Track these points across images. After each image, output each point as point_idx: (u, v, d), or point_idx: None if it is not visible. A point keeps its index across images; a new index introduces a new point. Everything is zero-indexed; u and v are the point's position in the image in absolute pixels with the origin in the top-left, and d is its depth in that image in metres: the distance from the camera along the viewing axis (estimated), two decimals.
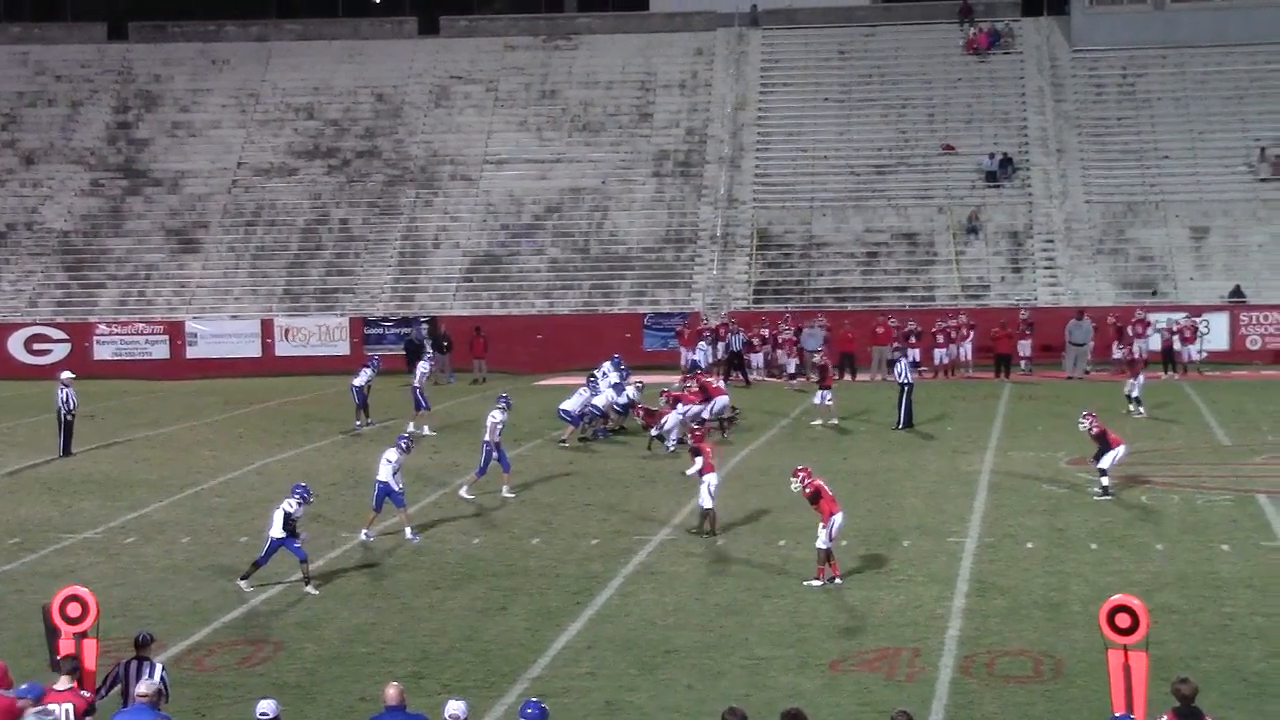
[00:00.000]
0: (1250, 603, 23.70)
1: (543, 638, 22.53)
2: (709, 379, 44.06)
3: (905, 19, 73.59)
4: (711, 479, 29.16)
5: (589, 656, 21.64)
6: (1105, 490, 31.47)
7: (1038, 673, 20.58)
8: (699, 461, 29.29)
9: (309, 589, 25.45)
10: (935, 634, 22.31)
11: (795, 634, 22.49)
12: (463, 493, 32.98)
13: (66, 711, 15.39)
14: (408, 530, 29.16)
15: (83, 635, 16.26)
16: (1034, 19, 72.67)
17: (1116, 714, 15.31)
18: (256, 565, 25.81)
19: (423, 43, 75.13)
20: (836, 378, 51.87)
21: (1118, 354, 54.12)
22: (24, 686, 15.58)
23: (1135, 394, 43.63)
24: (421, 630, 23.10)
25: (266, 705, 15.27)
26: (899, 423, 41.92)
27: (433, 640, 22.56)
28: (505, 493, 33.13)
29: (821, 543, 25.21)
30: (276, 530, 25.57)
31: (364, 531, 29.18)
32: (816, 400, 43.32)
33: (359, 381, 44.21)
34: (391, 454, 29.09)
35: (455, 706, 15.03)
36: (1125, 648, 15.48)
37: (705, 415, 40.19)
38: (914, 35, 72.69)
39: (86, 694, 15.75)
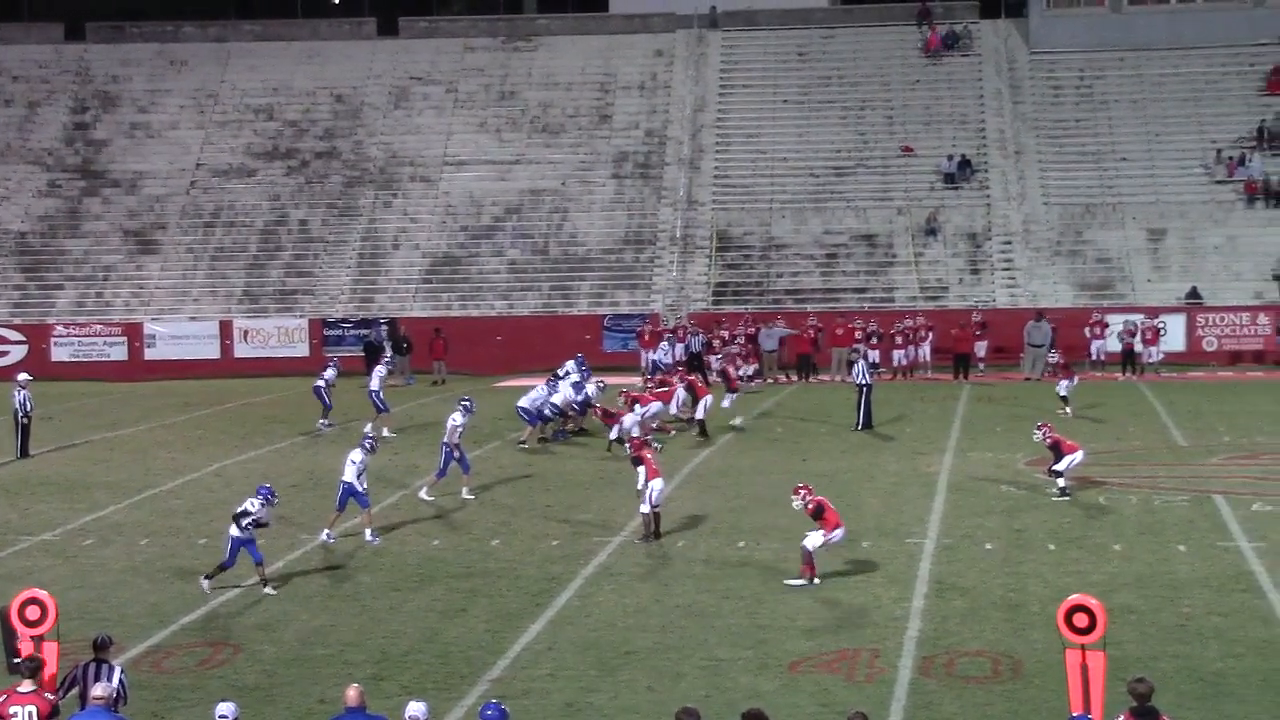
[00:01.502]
0: (1207, 603, 23.83)
1: (503, 639, 22.52)
2: (691, 376, 44.18)
3: (864, 21, 73.78)
4: (656, 484, 28.91)
5: (549, 658, 21.64)
6: (1063, 491, 31.58)
7: (996, 673, 20.66)
8: (642, 472, 29.08)
9: (267, 590, 25.41)
10: (894, 635, 22.37)
11: (755, 635, 22.53)
12: (423, 494, 32.91)
13: (30, 714, 15.32)
14: (368, 532, 29.09)
15: (42, 638, 16.20)
16: (992, 21, 72.92)
17: (1074, 714, 15.40)
18: (222, 567, 25.68)
19: (382, 44, 74.98)
20: (795, 379, 52.31)
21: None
22: None
23: (1064, 393, 44.02)
24: (381, 632, 23.07)
25: (225, 708, 15.23)
26: (858, 424, 42.01)
27: (392, 642, 22.53)
28: (465, 494, 33.08)
29: (810, 544, 25.24)
30: (235, 530, 25.49)
31: (325, 532, 29.06)
32: (725, 404, 43.08)
33: (321, 382, 44.10)
34: (356, 455, 28.96)
35: (415, 708, 15.02)
36: (1083, 647, 15.57)
37: (699, 415, 40.55)
38: (873, 37, 72.88)
39: (50, 696, 15.69)
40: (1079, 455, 32.02)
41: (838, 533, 25.63)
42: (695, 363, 54.41)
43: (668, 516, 29.46)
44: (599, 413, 40.19)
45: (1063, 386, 44.20)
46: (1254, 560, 26.43)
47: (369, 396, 43.24)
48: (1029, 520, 29.83)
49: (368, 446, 29.51)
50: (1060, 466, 31.64)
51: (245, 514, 25.49)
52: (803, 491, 26.10)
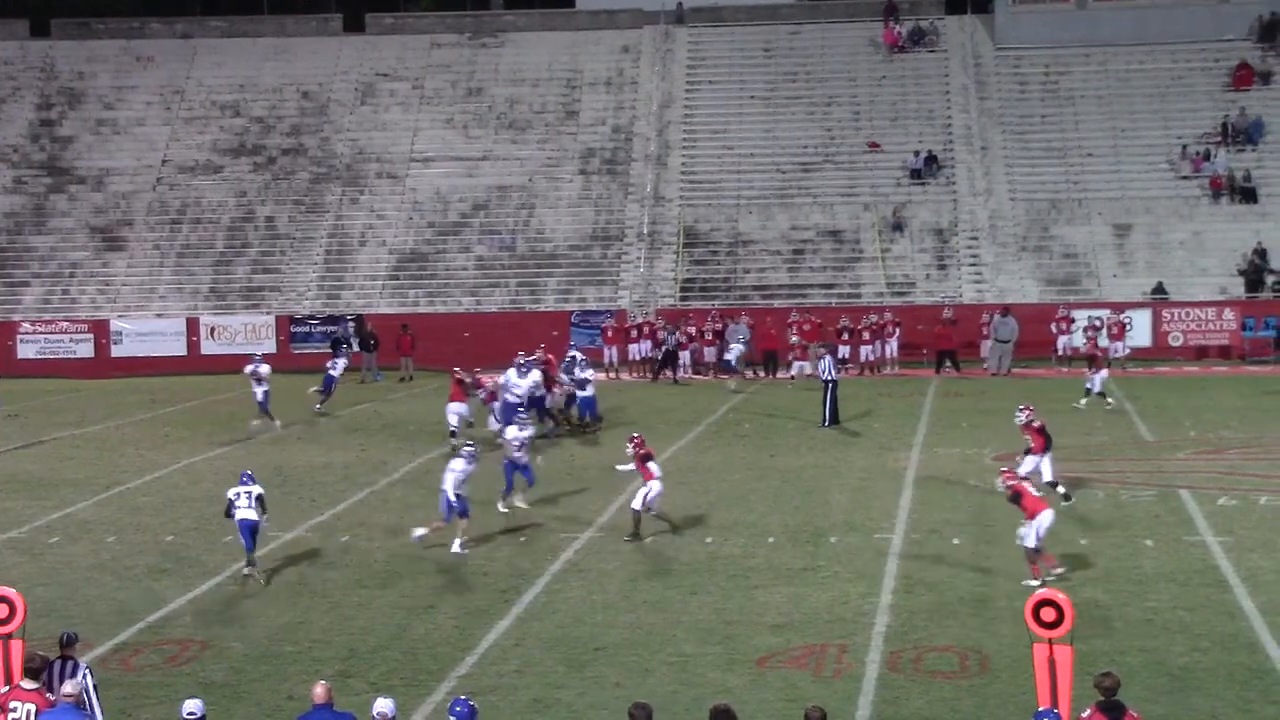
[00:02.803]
0: (1173, 597, 23.94)
1: (471, 636, 22.53)
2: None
3: (830, 17, 73.83)
4: (654, 486, 28.84)
5: (517, 654, 21.66)
6: (1066, 496, 30.57)
7: (964, 668, 20.73)
8: (651, 468, 29.05)
9: (246, 571, 25.88)
10: (862, 630, 22.43)
11: (723, 631, 22.57)
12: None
13: (29, 712, 15.33)
14: (457, 543, 28.02)
15: (9, 636, 16.15)
16: (958, 17, 73.10)
17: (1041, 708, 15.45)
18: (249, 552, 26.23)
19: (348, 40, 74.85)
20: (756, 375, 52.50)
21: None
22: None
23: (1096, 389, 43.90)
24: (349, 629, 23.06)
25: (193, 705, 15.21)
26: (824, 420, 42.08)
27: (360, 639, 22.52)
28: (518, 503, 31.42)
29: (1029, 542, 24.88)
30: (245, 513, 26.03)
31: (457, 543, 28.00)
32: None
33: (336, 371, 45.98)
34: (458, 464, 28.29)
35: (383, 705, 15.02)
36: (1050, 642, 15.64)
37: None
38: (839, 33, 72.98)
39: (51, 696, 15.67)
40: (1047, 456, 31.06)
41: (1042, 517, 24.87)
42: (670, 359, 54.50)
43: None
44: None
45: (1096, 381, 44.03)
46: (1220, 555, 26.55)
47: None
48: (996, 515, 29.86)
49: (468, 456, 28.72)
50: (1048, 475, 30.52)
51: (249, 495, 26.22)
52: (1004, 475, 26.04)
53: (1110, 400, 43.97)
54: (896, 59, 71.38)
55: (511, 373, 40.01)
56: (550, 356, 43.04)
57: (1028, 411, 31.69)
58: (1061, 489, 30.74)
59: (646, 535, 28.63)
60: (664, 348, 54.87)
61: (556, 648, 21.88)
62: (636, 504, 28.81)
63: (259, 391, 42.96)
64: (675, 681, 20.25)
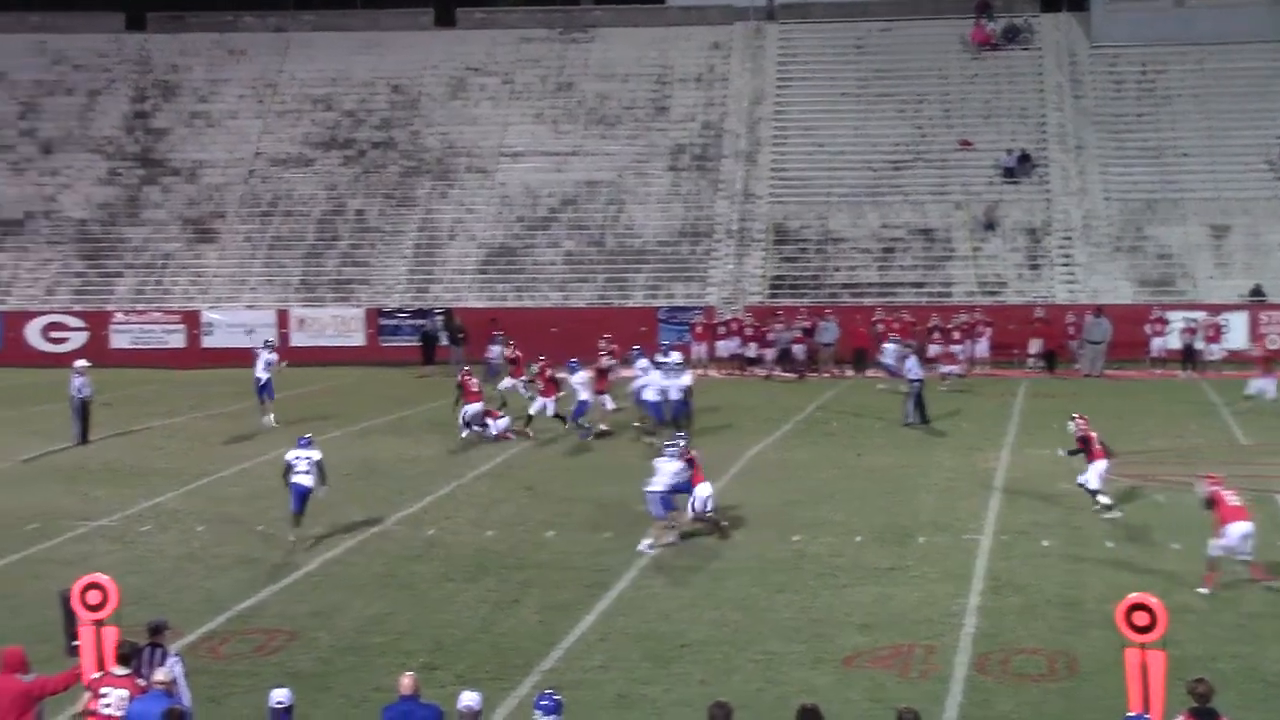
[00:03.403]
0: (1268, 603, 23.61)
1: (556, 630, 22.51)
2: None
3: (922, 14, 73.36)
4: (703, 489, 28.48)
5: (602, 649, 21.62)
6: (1107, 507, 29.98)
7: (1053, 671, 20.53)
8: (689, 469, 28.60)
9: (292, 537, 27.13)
10: (950, 631, 22.25)
11: (809, 630, 22.44)
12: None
13: (121, 698, 15.41)
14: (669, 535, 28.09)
15: (102, 623, 16.25)
16: (1053, 15, 72.57)
17: (1132, 713, 15.25)
18: (296, 514, 27.46)
19: (439, 34, 75.12)
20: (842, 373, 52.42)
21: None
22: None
23: (1271, 395, 43.19)
24: (435, 621, 23.09)
25: (281, 694, 15.26)
26: (910, 419, 41.80)
27: (446, 631, 22.54)
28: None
29: (1213, 551, 24.34)
30: (301, 478, 27.45)
31: (673, 535, 27.87)
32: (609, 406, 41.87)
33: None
34: (670, 464, 28.04)
35: (469, 697, 15.01)
36: (1143, 646, 15.42)
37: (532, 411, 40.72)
38: (931, 30, 72.53)
39: (141, 682, 15.75)
40: (1104, 464, 30.20)
41: (1235, 528, 24.15)
42: (785, 356, 54.38)
43: (721, 508, 29.23)
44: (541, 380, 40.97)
45: (1254, 386, 43.43)
46: None
47: (254, 385, 43.67)
48: (1087, 517, 29.60)
49: (675, 453, 28.42)
50: (1093, 484, 29.96)
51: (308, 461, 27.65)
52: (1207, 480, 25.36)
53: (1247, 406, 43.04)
54: (989, 57, 70.91)
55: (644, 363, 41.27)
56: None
57: (1081, 421, 31.04)
58: (1104, 499, 29.97)
59: (730, 534, 28.51)
60: (778, 346, 54.76)
61: (641, 643, 21.83)
62: (688, 514, 28.50)
63: (262, 377, 43.21)
64: (760, 679, 20.16)
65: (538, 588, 25.04)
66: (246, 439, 40.74)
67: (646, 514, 28.01)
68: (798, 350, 54.86)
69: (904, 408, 42.24)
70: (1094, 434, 30.40)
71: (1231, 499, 24.77)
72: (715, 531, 28.46)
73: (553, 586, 25.11)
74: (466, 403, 40.03)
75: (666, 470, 27.88)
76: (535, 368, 41.42)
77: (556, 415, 40.50)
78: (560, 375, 41.12)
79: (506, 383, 44.15)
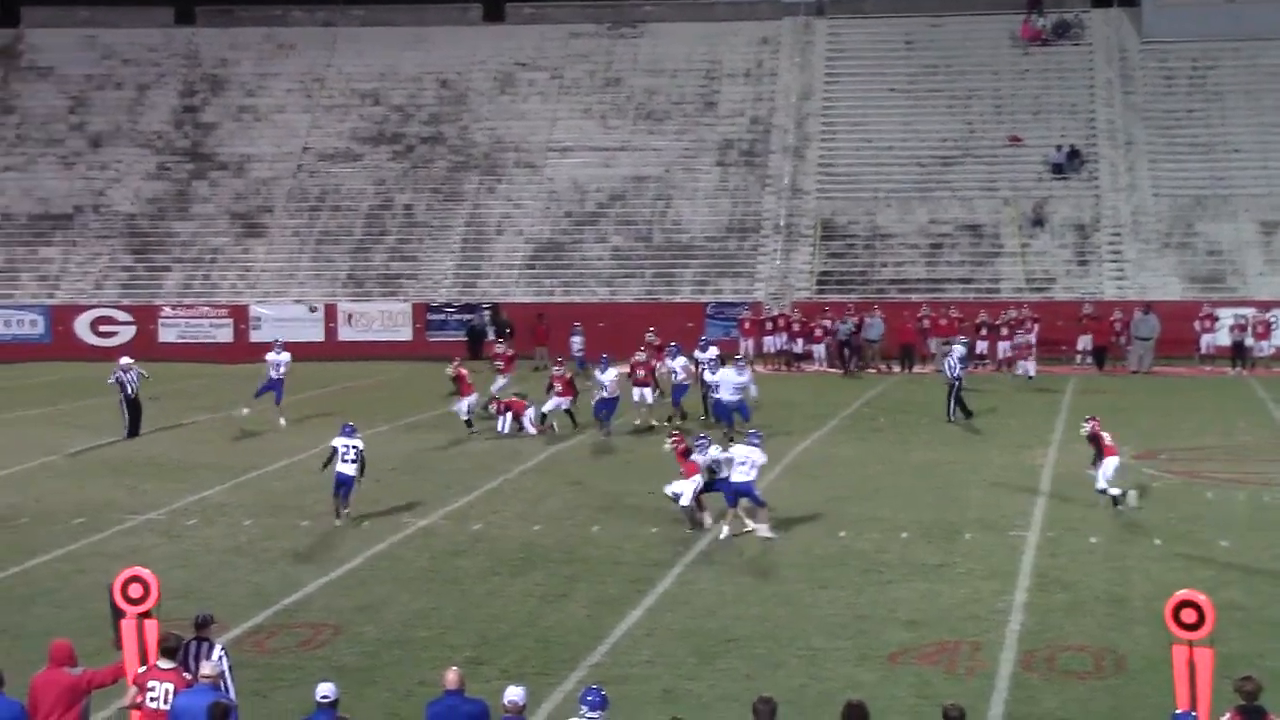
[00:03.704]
0: None
1: (602, 625, 22.50)
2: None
3: (972, 9, 73.07)
4: (692, 483, 28.59)
5: (648, 644, 21.60)
6: (1116, 500, 29.81)
7: (1099, 668, 20.43)
8: (696, 461, 28.70)
9: (339, 522, 28.14)
10: (996, 628, 22.17)
11: (854, 626, 22.39)
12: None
13: (166, 691, 15.46)
14: (765, 528, 28.16)
15: (144, 615, 16.31)
16: (1103, 10, 72.26)
17: (1179, 711, 15.17)
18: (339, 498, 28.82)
19: (487, 29, 75.22)
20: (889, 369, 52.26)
21: None
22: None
23: None
24: (481, 616, 23.11)
25: (326, 688, 15.27)
26: (950, 415, 41.67)
27: (492, 626, 22.55)
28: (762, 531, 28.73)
29: (1100, 482, 25.25)
30: (345, 468, 28.72)
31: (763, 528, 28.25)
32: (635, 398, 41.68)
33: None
34: (758, 456, 28.27)
35: (514, 692, 15.00)
36: (1190, 643, 15.33)
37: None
38: (980, 26, 72.27)
39: (188, 675, 15.81)
40: (1115, 460, 30.14)
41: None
42: (844, 349, 54.40)
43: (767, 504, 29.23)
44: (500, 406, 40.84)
45: None
46: None
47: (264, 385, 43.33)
48: (1134, 514, 29.47)
49: (756, 441, 28.69)
50: (1101, 483, 29.97)
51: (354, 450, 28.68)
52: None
53: None
54: (1039, 52, 70.63)
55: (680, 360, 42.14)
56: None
57: (1092, 423, 30.68)
58: (1114, 491, 29.83)
59: (776, 530, 28.47)
60: (838, 338, 54.74)
61: (688, 639, 21.80)
62: (686, 500, 28.62)
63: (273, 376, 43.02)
64: (805, 675, 20.12)
65: (584, 582, 25.04)
66: (294, 433, 40.84)
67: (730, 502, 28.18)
68: (854, 342, 54.82)
69: (946, 404, 42.13)
70: (1104, 433, 30.29)
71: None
72: (691, 524, 28.63)
73: (599, 581, 25.11)
74: (463, 395, 40.04)
75: (752, 459, 28.10)
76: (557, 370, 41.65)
77: (568, 412, 40.63)
78: (573, 376, 41.33)
79: (499, 382, 43.50)
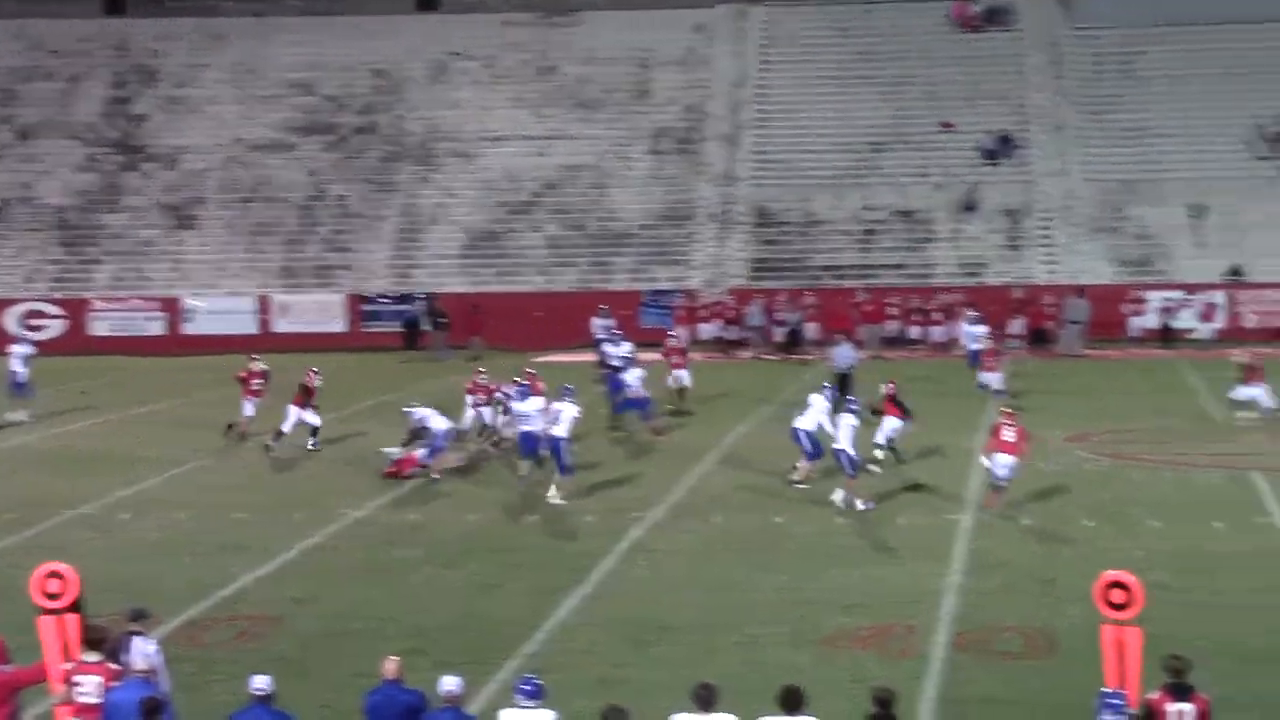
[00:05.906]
0: (1243, 579, 23.75)
1: (538, 614, 22.53)
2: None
3: None
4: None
5: (584, 633, 21.67)
6: (873, 462, 31.99)
7: (1031, 648, 20.63)
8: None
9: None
10: (930, 610, 22.34)
11: (789, 611, 22.51)
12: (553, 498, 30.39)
13: (96, 684, 15.37)
14: (856, 501, 28.92)
15: (66, 610, 16.20)
16: None
17: (1109, 689, 15.32)
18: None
19: (421, 19, 74.98)
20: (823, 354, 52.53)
21: None
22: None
23: (1266, 404, 42.59)
24: (417, 606, 23.12)
25: (261, 680, 15.22)
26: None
27: (429, 616, 22.57)
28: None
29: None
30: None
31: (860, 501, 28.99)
32: (671, 381, 41.76)
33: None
34: (850, 419, 29.24)
35: (450, 682, 15.01)
36: (1119, 623, 15.49)
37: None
38: (913, 12, 72.47)
39: (114, 666, 15.72)
40: (899, 423, 32.79)
41: None
42: (794, 338, 54.53)
43: (704, 490, 29.42)
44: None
45: (1243, 394, 42.37)
46: None
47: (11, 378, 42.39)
48: (1065, 496, 29.73)
49: (830, 395, 30.26)
50: (880, 439, 32.40)
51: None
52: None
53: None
54: (971, 39, 70.92)
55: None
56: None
57: (889, 386, 33.48)
58: (880, 455, 32.27)
59: (713, 516, 28.57)
60: (789, 327, 54.93)
61: (624, 627, 21.87)
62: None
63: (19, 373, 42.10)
64: (741, 661, 20.20)
65: (521, 572, 25.08)
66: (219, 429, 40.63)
67: (634, 495, 28.14)
68: (778, 331, 55.04)
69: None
70: (894, 395, 33.07)
71: (1007, 434, 28.36)
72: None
73: (536, 571, 25.15)
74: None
75: (818, 406, 29.43)
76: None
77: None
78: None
79: (470, 414, 37.08)
